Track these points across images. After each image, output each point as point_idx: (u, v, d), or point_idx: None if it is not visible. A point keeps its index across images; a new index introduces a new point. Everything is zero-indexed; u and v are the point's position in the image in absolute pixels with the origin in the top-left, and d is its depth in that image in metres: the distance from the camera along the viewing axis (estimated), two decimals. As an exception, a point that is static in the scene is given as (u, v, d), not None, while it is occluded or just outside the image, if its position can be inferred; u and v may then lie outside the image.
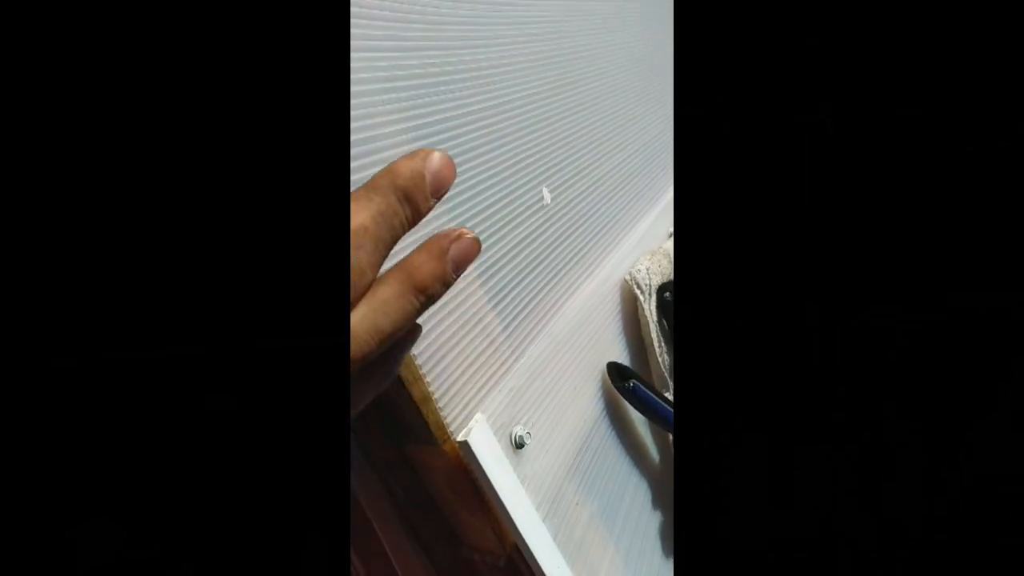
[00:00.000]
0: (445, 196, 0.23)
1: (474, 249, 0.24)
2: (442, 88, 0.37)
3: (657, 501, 0.53)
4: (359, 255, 0.21)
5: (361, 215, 0.21)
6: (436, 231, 0.24)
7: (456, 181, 0.37)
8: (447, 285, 0.23)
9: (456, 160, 0.37)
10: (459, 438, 0.33)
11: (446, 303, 0.34)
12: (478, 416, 0.34)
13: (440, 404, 0.32)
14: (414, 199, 0.22)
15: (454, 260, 0.23)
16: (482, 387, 0.36)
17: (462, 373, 0.34)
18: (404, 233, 0.22)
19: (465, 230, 0.23)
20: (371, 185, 0.22)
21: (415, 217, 0.22)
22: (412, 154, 0.22)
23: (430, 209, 0.22)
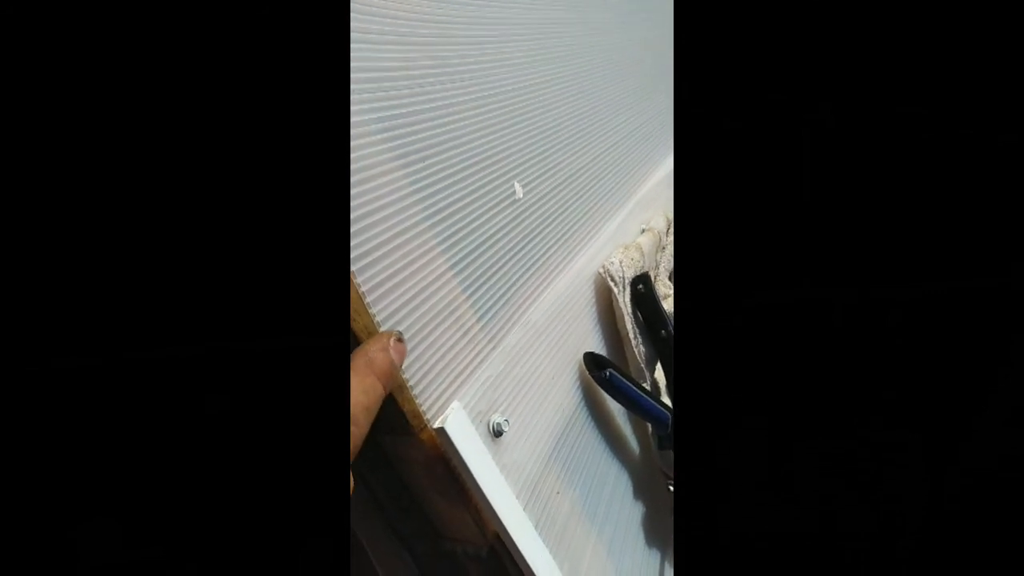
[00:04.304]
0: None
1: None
2: (415, 83, 0.37)
3: (638, 492, 0.53)
4: (356, 431, 0.25)
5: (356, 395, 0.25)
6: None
7: (430, 173, 0.38)
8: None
9: (427, 153, 0.38)
10: (435, 425, 0.33)
11: (418, 294, 0.34)
12: (455, 404, 0.34)
13: (415, 392, 0.32)
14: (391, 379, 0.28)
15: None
16: (457, 376, 0.36)
17: (436, 362, 0.34)
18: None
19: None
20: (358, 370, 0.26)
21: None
22: (377, 339, 0.28)
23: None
